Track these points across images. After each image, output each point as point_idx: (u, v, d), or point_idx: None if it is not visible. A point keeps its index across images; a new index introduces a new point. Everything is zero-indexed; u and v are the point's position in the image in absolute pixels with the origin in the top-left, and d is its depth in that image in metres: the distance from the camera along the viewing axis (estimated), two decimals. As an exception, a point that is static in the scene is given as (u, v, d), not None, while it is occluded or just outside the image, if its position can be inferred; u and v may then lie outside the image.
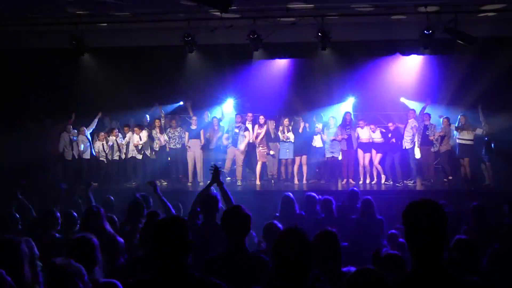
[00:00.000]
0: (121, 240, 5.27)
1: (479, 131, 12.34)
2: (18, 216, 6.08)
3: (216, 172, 5.43)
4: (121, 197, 8.74)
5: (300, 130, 13.09)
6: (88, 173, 13.19)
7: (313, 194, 7.67)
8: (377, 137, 12.94)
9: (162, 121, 13.76)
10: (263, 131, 13.00)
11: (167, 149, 13.51)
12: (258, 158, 13.07)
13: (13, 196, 6.98)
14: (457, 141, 12.50)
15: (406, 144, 12.77)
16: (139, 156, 13.34)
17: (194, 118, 13.54)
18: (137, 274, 3.14)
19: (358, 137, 13.05)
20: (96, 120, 13.89)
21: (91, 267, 3.73)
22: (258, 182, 12.98)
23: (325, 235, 3.93)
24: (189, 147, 13.23)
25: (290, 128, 13.09)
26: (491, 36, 12.45)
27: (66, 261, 3.24)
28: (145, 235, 4.57)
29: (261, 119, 13.15)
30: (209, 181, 5.53)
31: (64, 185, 7.90)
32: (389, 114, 14.37)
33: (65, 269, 3.17)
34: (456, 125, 12.48)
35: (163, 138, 13.31)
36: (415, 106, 13.66)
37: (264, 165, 13.22)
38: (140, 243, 4.71)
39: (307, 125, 13.25)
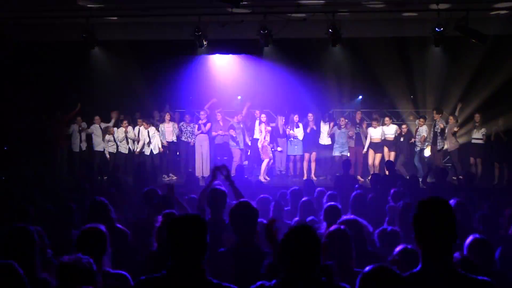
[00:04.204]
0: (128, 231, 5.31)
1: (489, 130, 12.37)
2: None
3: (217, 170, 5.35)
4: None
5: (308, 130, 13.09)
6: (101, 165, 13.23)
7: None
8: (390, 133, 12.91)
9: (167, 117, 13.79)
10: (268, 129, 13.04)
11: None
12: (262, 156, 13.08)
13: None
14: (472, 140, 12.50)
15: (418, 146, 12.77)
16: (147, 151, 13.46)
17: (203, 113, 13.58)
18: (150, 270, 3.14)
19: (370, 137, 13.05)
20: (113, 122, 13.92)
21: (100, 257, 3.75)
22: (262, 179, 12.95)
23: (336, 232, 3.92)
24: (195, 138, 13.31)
25: (300, 125, 13.09)
26: (503, 34, 12.37)
27: (73, 257, 3.24)
28: (162, 231, 4.53)
29: (263, 117, 13.15)
30: (211, 178, 5.48)
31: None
32: (399, 111, 14.35)
33: (74, 266, 3.18)
34: (472, 124, 12.53)
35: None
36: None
37: (271, 161, 13.23)
38: (156, 239, 4.67)
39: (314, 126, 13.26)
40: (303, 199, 6.56)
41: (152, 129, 13.45)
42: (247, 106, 13.65)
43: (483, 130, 12.44)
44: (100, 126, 13.64)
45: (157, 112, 14.57)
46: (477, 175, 12.15)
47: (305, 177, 13.06)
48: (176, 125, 13.78)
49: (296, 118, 13.08)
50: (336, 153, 13.15)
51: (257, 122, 13.36)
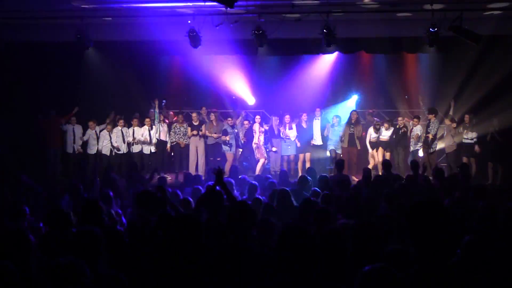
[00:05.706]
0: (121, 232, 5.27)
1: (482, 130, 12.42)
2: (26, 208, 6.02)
3: (219, 175, 5.33)
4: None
5: (304, 125, 13.10)
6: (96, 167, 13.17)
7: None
8: (386, 134, 12.96)
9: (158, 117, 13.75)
10: (262, 130, 13.03)
11: (170, 144, 13.53)
12: (256, 156, 13.05)
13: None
14: (463, 140, 12.53)
15: (412, 147, 12.80)
16: (146, 150, 13.43)
17: (194, 114, 13.60)
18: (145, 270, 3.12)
19: (369, 136, 13.09)
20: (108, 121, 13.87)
21: (94, 259, 3.72)
22: None
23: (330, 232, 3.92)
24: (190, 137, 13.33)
25: (293, 125, 13.11)
26: (496, 34, 12.42)
27: (67, 259, 3.21)
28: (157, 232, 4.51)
29: (257, 118, 13.15)
30: (210, 183, 5.52)
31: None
32: (393, 112, 14.38)
33: (67, 268, 3.15)
34: (463, 124, 12.54)
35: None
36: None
37: (266, 161, 13.23)
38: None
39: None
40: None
41: (147, 129, 13.40)
42: (242, 115, 13.70)
43: (474, 133, 12.46)
44: (95, 131, 13.53)
45: (153, 111, 14.50)
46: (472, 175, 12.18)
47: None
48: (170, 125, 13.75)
49: (287, 119, 13.09)
50: (330, 147, 13.19)
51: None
